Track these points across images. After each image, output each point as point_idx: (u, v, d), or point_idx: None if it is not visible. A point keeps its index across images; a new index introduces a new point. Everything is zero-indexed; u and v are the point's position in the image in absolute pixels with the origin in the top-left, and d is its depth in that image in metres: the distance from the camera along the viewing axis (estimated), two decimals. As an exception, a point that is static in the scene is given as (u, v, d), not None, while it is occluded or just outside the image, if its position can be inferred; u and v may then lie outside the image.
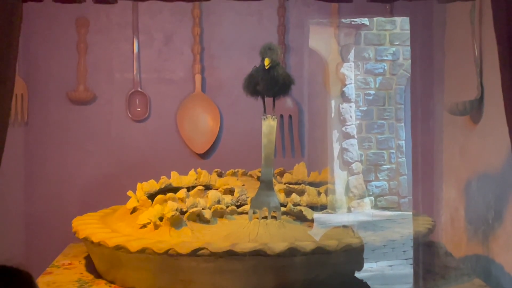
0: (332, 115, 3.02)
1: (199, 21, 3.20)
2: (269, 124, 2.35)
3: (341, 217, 2.52)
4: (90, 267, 2.51)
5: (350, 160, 2.96)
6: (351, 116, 3.00)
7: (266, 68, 2.31)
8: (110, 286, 2.33)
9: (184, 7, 3.18)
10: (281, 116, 3.18)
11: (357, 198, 2.68)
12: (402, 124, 3.02)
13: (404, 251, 2.46)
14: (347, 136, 2.98)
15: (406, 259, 2.48)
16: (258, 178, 2.67)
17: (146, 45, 3.21)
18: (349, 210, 2.57)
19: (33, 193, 3.18)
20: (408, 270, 2.48)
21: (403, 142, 3.03)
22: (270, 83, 2.33)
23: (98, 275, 2.43)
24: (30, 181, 3.18)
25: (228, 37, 3.23)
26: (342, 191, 2.68)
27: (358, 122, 3.00)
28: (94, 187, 3.18)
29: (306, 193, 2.46)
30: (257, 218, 2.31)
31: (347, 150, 2.99)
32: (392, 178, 3.05)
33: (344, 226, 2.38)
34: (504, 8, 1.78)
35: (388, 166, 3.02)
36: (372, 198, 2.73)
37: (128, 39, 3.20)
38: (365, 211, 2.65)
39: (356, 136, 3.02)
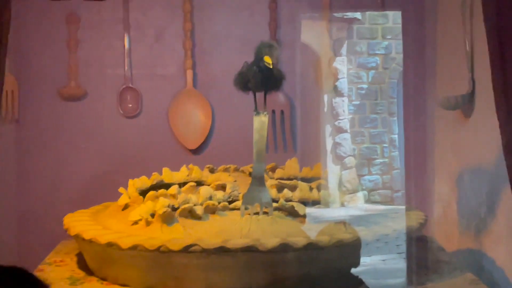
0: (325, 109, 3.02)
1: (190, 17, 3.18)
2: (261, 120, 2.34)
3: (333, 212, 2.52)
4: (82, 264, 2.50)
5: (343, 155, 2.96)
6: (343, 111, 3.00)
7: (270, 67, 2.28)
8: (102, 283, 2.32)
9: (175, 2, 3.18)
10: (273, 111, 3.18)
11: (350, 192, 2.67)
12: (395, 118, 3.01)
13: (397, 245, 2.47)
14: (340, 130, 2.98)
15: (399, 253, 2.49)
16: (250, 174, 2.66)
17: (137, 41, 3.20)
18: (342, 204, 2.56)
19: (24, 190, 3.16)
20: (401, 264, 2.48)
21: (396, 136, 3.03)
22: (261, 81, 2.32)
23: (90, 272, 2.42)
24: (22, 178, 3.16)
25: (219, 33, 3.23)
26: (335, 185, 2.68)
27: (350, 116, 3.00)
28: (86, 184, 3.17)
29: (298, 189, 2.46)
30: (249, 214, 2.30)
31: (340, 145, 2.98)
32: (385, 172, 3.05)
33: (338, 222, 2.37)
34: (493, 1, 1.78)
35: (381, 160, 3.02)
36: (366, 192, 2.73)
37: (119, 35, 3.18)
38: (359, 205, 2.65)
39: (349, 131, 3.02)
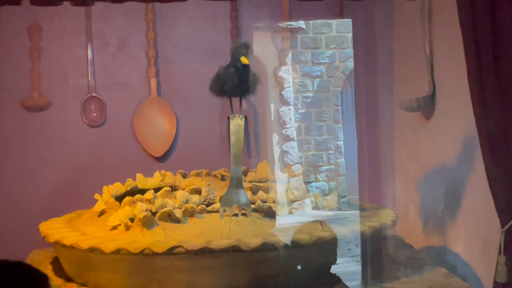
0: (272, 118, 3.06)
1: (152, 26, 3.21)
2: (237, 123, 2.38)
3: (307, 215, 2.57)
4: (58, 271, 2.50)
5: (290, 162, 2.99)
6: (290, 119, 3.03)
7: (247, 67, 2.34)
8: (82, 289, 2.34)
9: (137, 12, 3.20)
10: (238, 117, 3.21)
11: (298, 199, 2.71)
12: (340, 125, 3.06)
13: (349, 249, 2.53)
14: (287, 138, 3.01)
15: (351, 256, 2.54)
16: (222, 178, 2.71)
17: (100, 50, 3.21)
18: (290, 211, 2.60)
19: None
20: (355, 267, 2.53)
21: (342, 143, 3.08)
22: (238, 83, 2.36)
23: (68, 279, 2.42)
24: (-15, 189, 3.14)
25: (182, 41, 3.26)
26: (283, 193, 2.71)
27: (297, 124, 3.04)
28: (52, 194, 3.15)
29: (272, 190, 2.51)
30: (228, 216, 2.34)
31: (287, 153, 3.02)
32: (332, 178, 3.09)
33: (314, 221, 2.42)
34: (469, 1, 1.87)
35: (327, 167, 3.06)
36: (313, 198, 2.78)
37: (82, 45, 3.19)
38: (306, 211, 2.69)
39: (296, 139, 3.06)
